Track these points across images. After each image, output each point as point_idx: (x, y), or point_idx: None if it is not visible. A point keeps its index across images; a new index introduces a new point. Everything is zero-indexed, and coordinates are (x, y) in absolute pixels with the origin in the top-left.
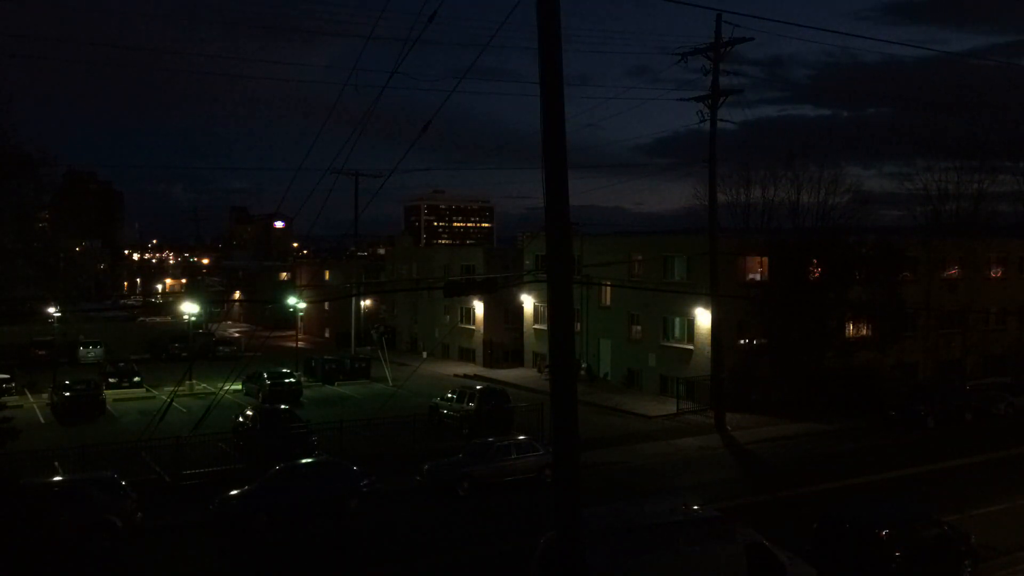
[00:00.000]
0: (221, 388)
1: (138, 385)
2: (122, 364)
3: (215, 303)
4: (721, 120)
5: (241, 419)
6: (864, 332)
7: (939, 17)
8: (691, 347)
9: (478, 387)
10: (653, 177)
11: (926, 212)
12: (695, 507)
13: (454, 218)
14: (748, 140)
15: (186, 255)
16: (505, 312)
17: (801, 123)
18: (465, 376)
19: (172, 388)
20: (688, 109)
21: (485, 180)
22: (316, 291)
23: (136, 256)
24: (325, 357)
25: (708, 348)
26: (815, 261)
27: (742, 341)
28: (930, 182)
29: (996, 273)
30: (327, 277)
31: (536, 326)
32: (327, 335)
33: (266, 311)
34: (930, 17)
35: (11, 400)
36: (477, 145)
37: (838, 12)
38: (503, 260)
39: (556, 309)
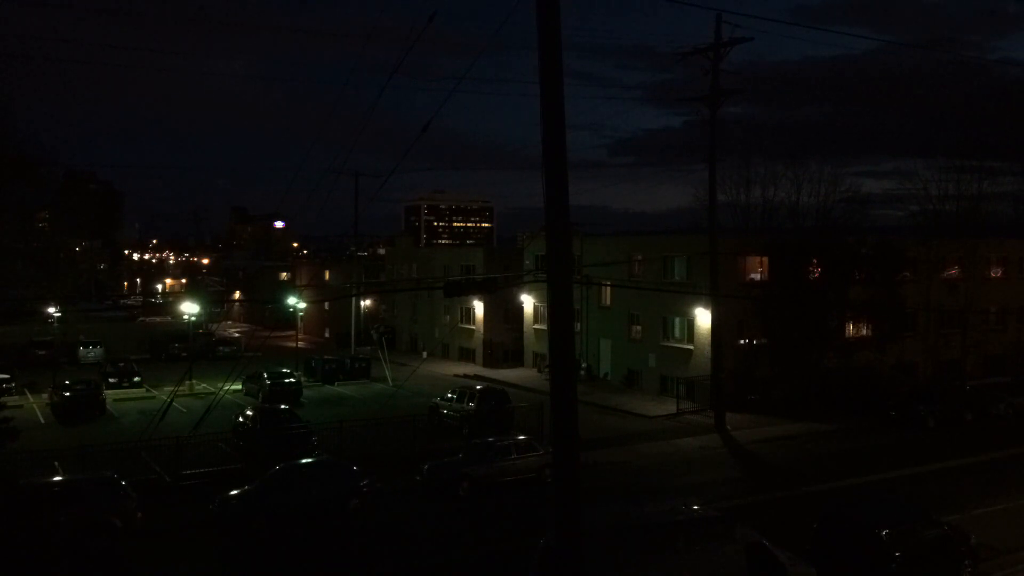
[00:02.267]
0: (221, 388)
1: (138, 385)
2: (122, 364)
3: (215, 303)
4: (682, 119)
5: (241, 419)
6: (864, 332)
7: (844, 19)
8: (691, 347)
9: (478, 387)
10: (632, 177)
11: (926, 212)
12: (695, 507)
13: (454, 218)
14: (700, 139)
15: (186, 255)
16: (505, 312)
17: (738, 120)
18: (465, 376)
19: (172, 388)
20: (636, 111)
21: (485, 180)
22: (316, 291)
23: (136, 256)
24: (325, 357)
25: (708, 348)
26: (815, 261)
27: (742, 341)
28: (929, 182)
29: (996, 273)
30: (327, 277)
31: (536, 326)
32: (327, 335)
33: (266, 311)
34: (835, 19)
35: (11, 400)
36: (477, 145)
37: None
38: (503, 260)
39: (556, 309)
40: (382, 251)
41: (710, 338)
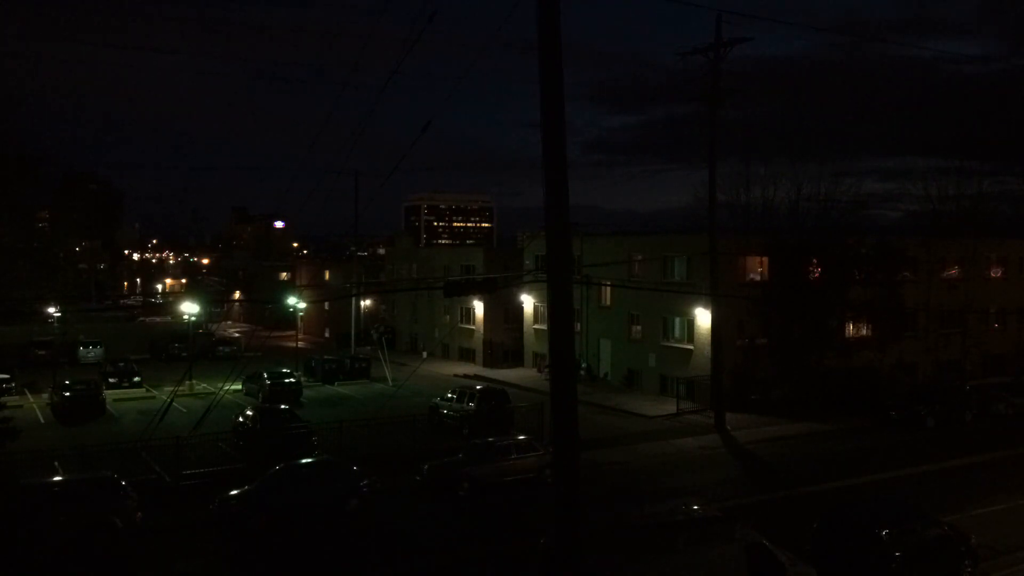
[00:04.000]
0: (221, 388)
1: (138, 385)
2: (122, 364)
3: (215, 303)
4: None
5: (241, 419)
6: (864, 332)
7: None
8: (691, 347)
9: (478, 387)
10: (616, 176)
11: (926, 212)
12: (695, 507)
13: (454, 218)
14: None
15: (186, 255)
16: (505, 312)
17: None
18: (465, 376)
19: (172, 388)
20: (593, 110)
21: (485, 180)
22: (316, 291)
23: (136, 256)
24: (325, 357)
25: (708, 348)
26: (815, 261)
27: (742, 341)
28: (929, 182)
29: (996, 273)
30: (327, 277)
31: (536, 326)
32: (327, 335)
33: (266, 311)
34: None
35: (11, 400)
36: (477, 145)
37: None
38: (503, 260)
39: (556, 309)
40: (382, 251)
41: (710, 338)
